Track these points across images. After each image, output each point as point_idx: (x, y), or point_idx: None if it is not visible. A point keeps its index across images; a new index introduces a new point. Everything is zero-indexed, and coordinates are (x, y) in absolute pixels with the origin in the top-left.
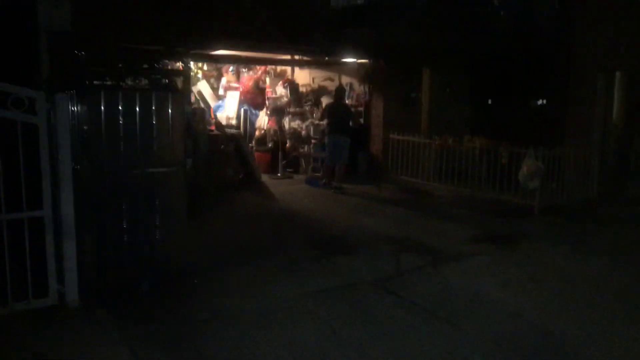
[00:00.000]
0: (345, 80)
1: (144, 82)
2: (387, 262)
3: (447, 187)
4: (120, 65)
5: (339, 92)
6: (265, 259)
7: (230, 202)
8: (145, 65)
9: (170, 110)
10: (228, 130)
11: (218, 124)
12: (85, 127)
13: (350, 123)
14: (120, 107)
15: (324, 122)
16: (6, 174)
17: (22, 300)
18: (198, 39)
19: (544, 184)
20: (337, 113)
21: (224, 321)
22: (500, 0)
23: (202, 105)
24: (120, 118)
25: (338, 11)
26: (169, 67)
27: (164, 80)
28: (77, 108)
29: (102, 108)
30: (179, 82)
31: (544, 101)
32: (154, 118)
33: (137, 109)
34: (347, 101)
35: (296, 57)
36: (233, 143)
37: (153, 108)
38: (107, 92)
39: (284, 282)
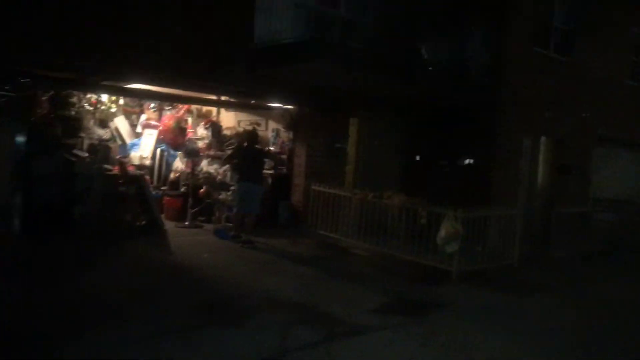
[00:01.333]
0: (272, 125)
1: None
2: (275, 337)
3: (366, 245)
4: None
5: (251, 134)
6: (129, 326)
7: (117, 252)
8: None
9: None
10: (133, 172)
11: (122, 163)
12: None
13: (269, 170)
14: None
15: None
16: None
17: None
18: (111, 70)
19: (465, 248)
20: (249, 158)
21: None
22: (432, 53)
23: (118, 142)
24: None
25: (262, 49)
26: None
27: None
28: None
29: None
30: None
31: (472, 161)
32: None
33: None
34: (272, 148)
35: (222, 98)
36: (135, 185)
37: None
38: None
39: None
